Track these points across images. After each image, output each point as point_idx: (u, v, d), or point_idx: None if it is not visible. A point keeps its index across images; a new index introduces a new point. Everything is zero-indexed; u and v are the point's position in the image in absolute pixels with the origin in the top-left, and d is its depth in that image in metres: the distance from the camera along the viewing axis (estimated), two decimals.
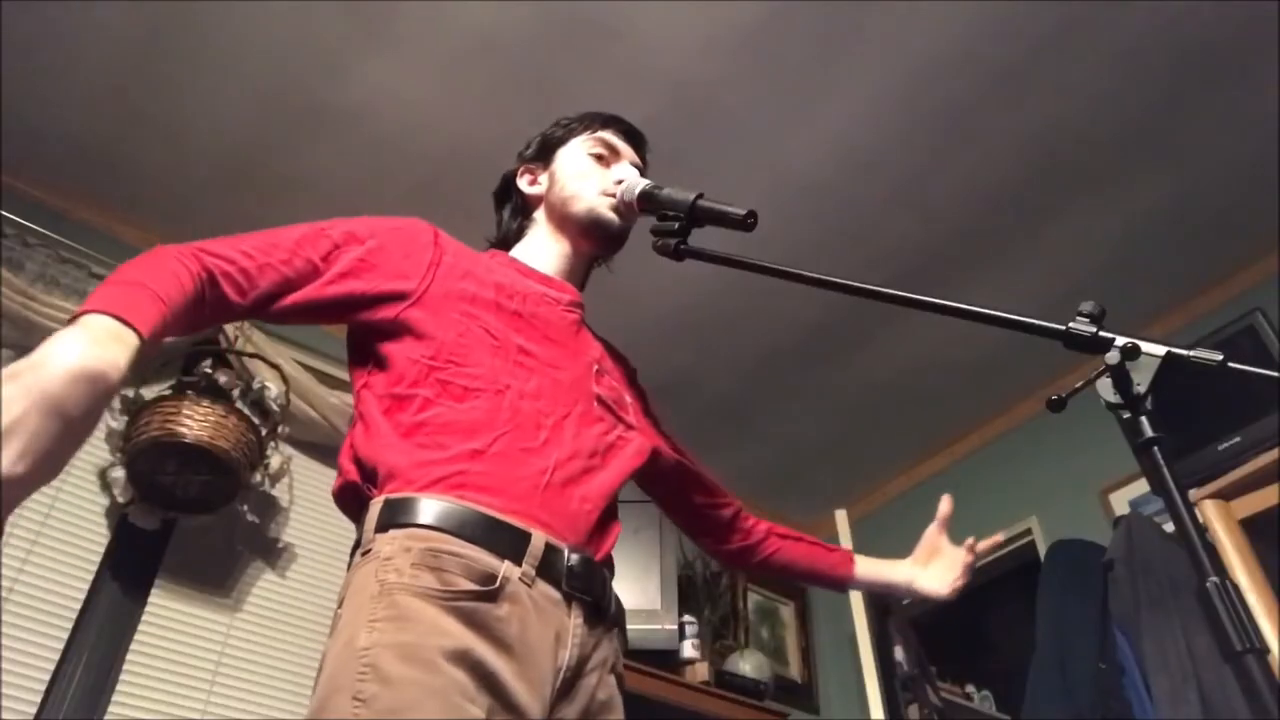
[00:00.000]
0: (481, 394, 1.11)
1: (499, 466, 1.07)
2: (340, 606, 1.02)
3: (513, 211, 1.44)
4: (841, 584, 1.55)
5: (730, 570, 3.57)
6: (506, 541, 1.02)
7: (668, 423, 1.46)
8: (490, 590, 0.98)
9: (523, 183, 1.44)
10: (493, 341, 1.17)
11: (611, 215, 1.34)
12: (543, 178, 1.42)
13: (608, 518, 1.16)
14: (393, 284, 1.18)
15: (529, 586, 1.01)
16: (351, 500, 1.11)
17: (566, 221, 1.37)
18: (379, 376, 1.15)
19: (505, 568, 1.00)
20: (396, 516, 1.02)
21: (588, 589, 1.06)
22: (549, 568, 1.03)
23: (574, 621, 1.04)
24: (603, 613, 1.09)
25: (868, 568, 1.55)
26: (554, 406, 1.16)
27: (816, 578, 1.54)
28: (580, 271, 1.41)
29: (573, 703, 1.02)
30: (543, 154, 1.44)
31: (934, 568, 1.54)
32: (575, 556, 1.06)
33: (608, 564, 1.14)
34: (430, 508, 1.02)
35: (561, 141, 1.44)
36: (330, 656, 0.97)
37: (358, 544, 1.06)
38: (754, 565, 1.53)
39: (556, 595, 1.03)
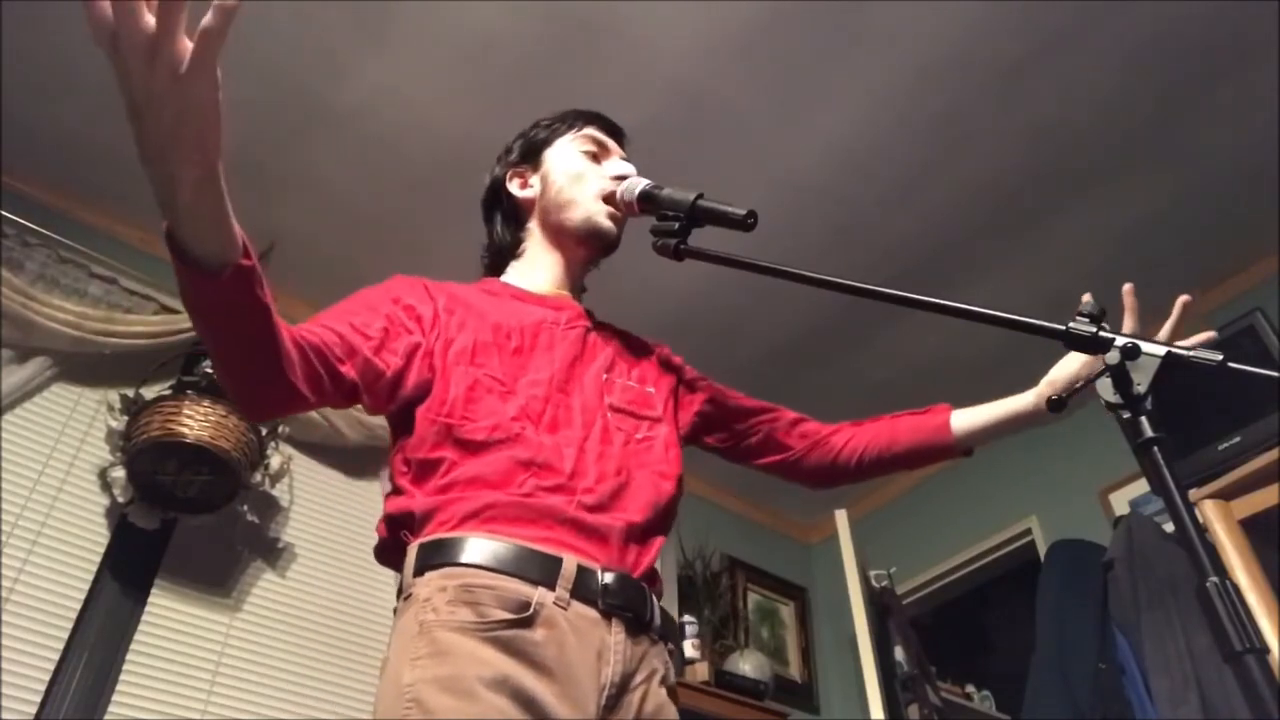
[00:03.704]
0: (501, 445, 1.11)
1: (528, 501, 1.08)
2: (389, 651, 1.04)
3: (504, 220, 1.41)
4: (951, 451, 1.37)
5: (730, 572, 3.57)
6: (538, 568, 1.03)
7: (706, 377, 1.43)
8: (525, 617, 0.99)
9: (513, 186, 1.40)
10: (501, 388, 1.17)
11: (609, 224, 1.33)
12: (534, 180, 1.39)
13: (647, 532, 1.15)
14: (409, 346, 1.16)
15: (564, 609, 1.02)
16: (391, 552, 1.14)
17: (562, 228, 1.35)
18: (406, 442, 1.16)
19: (539, 594, 1.01)
20: (431, 558, 1.04)
21: (626, 604, 1.07)
22: (583, 588, 1.04)
23: (615, 638, 1.05)
24: (645, 625, 1.09)
25: (979, 416, 1.36)
26: (572, 435, 1.16)
27: (926, 454, 1.38)
28: (580, 275, 1.39)
29: (620, 717, 1.03)
30: (530, 156, 1.41)
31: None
32: (609, 575, 1.07)
33: (650, 578, 1.14)
34: (463, 545, 1.04)
35: (547, 142, 1.40)
36: (379, 699, 1.00)
37: (398, 592, 1.09)
38: (851, 470, 1.40)
39: (594, 614, 1.04)
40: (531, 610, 1.00)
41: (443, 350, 1.18)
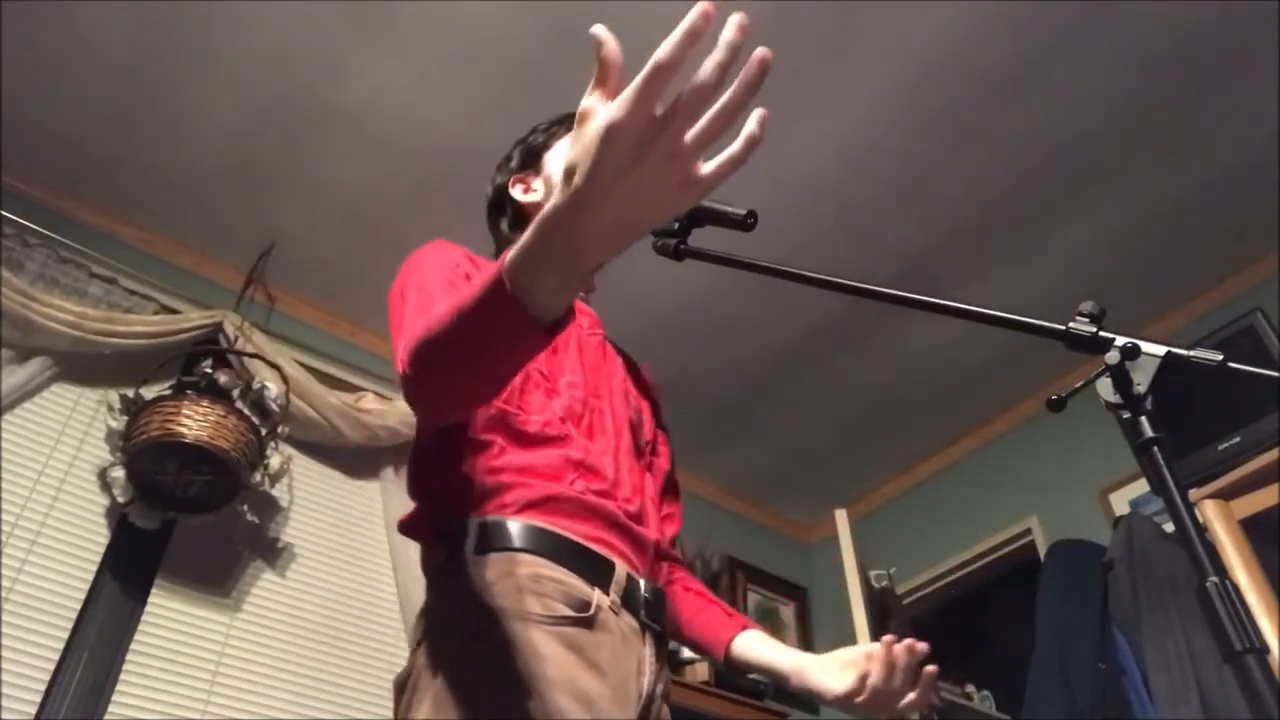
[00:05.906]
0: (548, 443, 1.11)
1: (584, 499, 1.08)
2: (436, 624, 1.02)
3: (511, 225, 1.38)
4: (720, 662, 1.32)
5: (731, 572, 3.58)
6: (594, 569, 1.04)
7: (667, 428, 1.44)
8: (587, 617, 1.00)
9: (516, 192, 1.38)
10: (547, 384, 1.17)
11: None
12: (536, 184, 1.37)
13: (659, 549, 1.18)
14: None
15: (616, 615, 1.03)
16: (433, 525, 1.11)
17: None
18: (451, 424, 1.11)
19: (597, 595, 1.02)
20: (492, 539, 1.03)
21: (659, 619, 1.09)
22: (629, 598, 1.05)
23: (648, 651, 1.06)
24: (666, 644, 1.12)
25: (759, 652, 1.27)
26: (607, 444, 1.17)
27: (702, 652, 1.33)
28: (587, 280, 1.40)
29: None
30: (530, 161, 1.40)
31: (840, 667, 1.19)
32: (650, 587, 1.09)
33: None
34: (526, 532, 1.03)
35: (546, 145, 1.39)
36: (429, 678, 0.96)
37: (445, 564, 1.06)
38: None
39: (635, 625, 1.06)
40: (592, 610, 1.00)
41: None
